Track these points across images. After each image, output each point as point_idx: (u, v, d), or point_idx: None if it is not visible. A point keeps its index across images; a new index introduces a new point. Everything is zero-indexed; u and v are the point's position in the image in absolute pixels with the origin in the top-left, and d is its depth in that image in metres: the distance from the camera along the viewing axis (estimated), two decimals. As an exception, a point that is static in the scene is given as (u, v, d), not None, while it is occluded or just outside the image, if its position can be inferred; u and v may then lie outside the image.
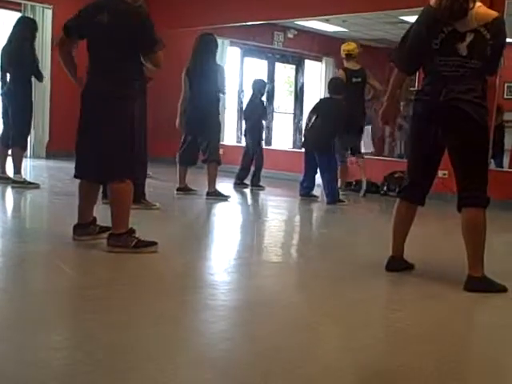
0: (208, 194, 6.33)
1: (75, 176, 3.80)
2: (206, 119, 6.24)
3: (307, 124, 6.81)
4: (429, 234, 5.04)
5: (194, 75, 6.23)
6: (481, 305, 3.22)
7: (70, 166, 7.17)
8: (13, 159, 6.34)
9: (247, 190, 7.43)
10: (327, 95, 6.93)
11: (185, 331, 2.43)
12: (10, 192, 6.11)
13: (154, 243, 3.67)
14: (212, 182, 6.35)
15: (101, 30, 3.55)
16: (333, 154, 6.61)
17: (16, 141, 6.30)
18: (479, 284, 3.18)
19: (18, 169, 6.30)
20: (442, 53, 3.15)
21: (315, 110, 6.77)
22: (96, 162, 3.64)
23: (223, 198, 6.36)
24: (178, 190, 6.51)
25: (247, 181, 7.55)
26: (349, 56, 7.46)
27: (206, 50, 6.22)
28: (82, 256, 3.63)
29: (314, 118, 6.67)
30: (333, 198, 6.42)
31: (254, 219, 5.85)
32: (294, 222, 5.94)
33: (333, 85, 6.82)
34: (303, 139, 6.98)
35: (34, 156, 9.41)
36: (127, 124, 3.59)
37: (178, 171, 6.48)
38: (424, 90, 3.25)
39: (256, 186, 7.44)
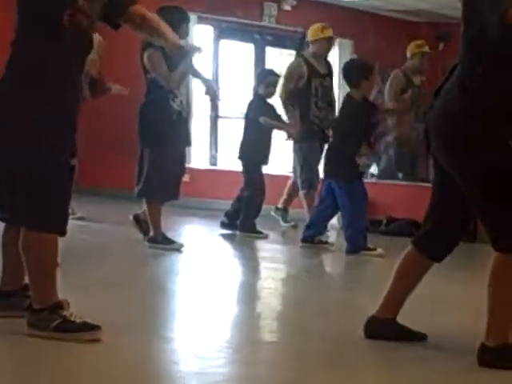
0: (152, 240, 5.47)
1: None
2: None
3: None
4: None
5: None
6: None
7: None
8: None
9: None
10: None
11: None
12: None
13: (94, 327, 3.14)
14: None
15: None
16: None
17: None
18: None
19: None
20: None
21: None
22: None
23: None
24: (151, 240, 5.34)
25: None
26: None
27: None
28: None
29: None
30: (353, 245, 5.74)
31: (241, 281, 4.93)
32: (294, 283, 5.08)
33: (347, 71, 5.85)
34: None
35: None
36: None
37: (148, 212, 5.41)
38: None
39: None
